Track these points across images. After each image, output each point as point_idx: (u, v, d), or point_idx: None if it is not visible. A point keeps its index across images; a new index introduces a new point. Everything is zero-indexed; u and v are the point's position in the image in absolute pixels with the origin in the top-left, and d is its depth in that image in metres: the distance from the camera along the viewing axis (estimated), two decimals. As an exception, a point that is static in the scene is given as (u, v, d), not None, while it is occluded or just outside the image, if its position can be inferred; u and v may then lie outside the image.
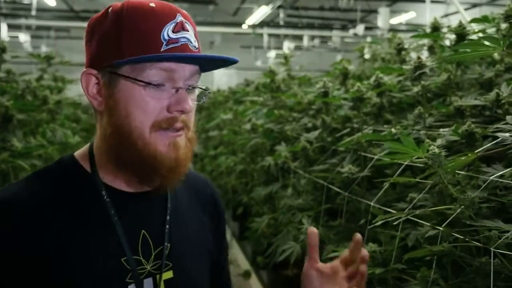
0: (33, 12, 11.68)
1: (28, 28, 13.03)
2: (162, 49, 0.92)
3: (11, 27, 11.99)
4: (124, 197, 1.00)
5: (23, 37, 12.56)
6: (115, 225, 0.96)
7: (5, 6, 12.57)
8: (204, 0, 13.16)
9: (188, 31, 0.96)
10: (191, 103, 0.95)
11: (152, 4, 0.95)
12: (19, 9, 12.99)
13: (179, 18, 0.95)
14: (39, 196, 0.95)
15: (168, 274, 1.01)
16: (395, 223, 1.19)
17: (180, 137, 0.96)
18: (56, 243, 0.92)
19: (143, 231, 1.00)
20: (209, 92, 1.04)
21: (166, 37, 0.93)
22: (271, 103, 3.05)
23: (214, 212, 1.17)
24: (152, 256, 0.99)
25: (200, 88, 1.00)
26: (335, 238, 1.86)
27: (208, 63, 0.99)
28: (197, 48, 0.97)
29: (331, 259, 1.76)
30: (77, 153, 1.04)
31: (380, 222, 1.18)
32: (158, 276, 0.99)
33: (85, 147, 1.03)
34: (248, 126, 3.30)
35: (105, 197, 0.97)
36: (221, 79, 14.15)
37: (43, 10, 12.46)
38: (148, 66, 0.92)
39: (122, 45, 0.93)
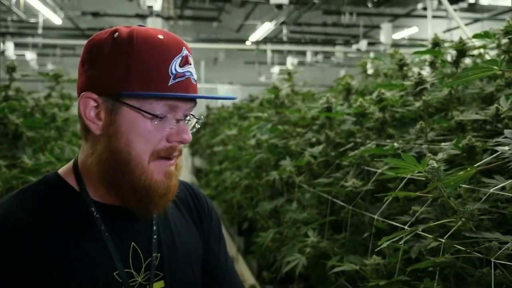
0: (40, 31, 11.83)
1: (34, 46, 13.18)
2: (169, 83, 0.94)
3: (17, 45, 12.16)
4: (112, 212, 1.01)
5: (30, 55, 12.74)
6: (106, 240, 0.98)
7: (12, 25, 12.74)
8: (208, 17, 13.29)
9: (191, 64, 0.98)
10: (190, 134, 0.99)
11: (161, 36, 0.96)
12: (25, 27, 13.16)
13: (185, 52, 0.97)
14: (28, 215, 0.95)
15: (160, 284, 1.03)
16: (397, 238, 1.21)
17: (174, 166, 1.00)
18: (47, 261, 0.93)
19: (132, 243, 1.01)
20: (203, 121, 1.07)
21: (174, 71, 0.95)
22: (276, 118, 3.09)
23: (199, 213, 1.18)
24: (143, 268, 1.01)
25: (196, 118, 1.04)
26: (339, 251, 1.88)
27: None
28: (196, 81, 1.00)
29: (336, 272, 1.79)
30: (61, 171, 1.04)
31: (386, 243, 1.20)
32: (148, 287, 1.01)
33: (68, 165, 1.04)
34: (252, 142, 3.33)
35: (94, 213, 0.99)
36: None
37: (49, 29, 12.62)
38: (155, 99, 0.94)
39: (130, 75, 0.93)
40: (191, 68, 0.98)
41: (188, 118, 1.00)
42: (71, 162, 1.04)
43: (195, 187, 1.25)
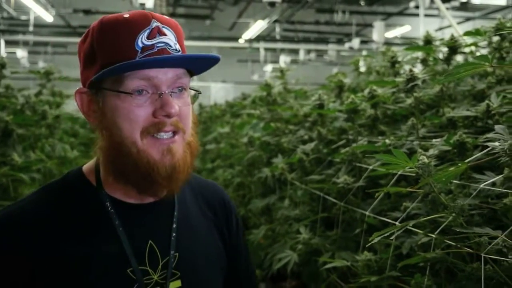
0: (31, 28, 11.77)
1: (25, 44, 13.09)
2: (137, 57, 0.92)
3: (8, 43, 12.08)
4: (130, 209, 1.00)
5: (21, 53, 12.64)
6: (120, 236, 0.97)
7: (3, 22, 12.65)
8: (201, 15, 13.27)
9: (166, 35, 0.95)
10: (177, 106, 0.94)
11: (126, 15, 0.95)
12: (16, 25, 13.08)
13: (154, 24, 0.94)
14: (43, 211, 0.96)
15: (176, 284, 1.01)
16: (388, 233, 1.21)
17: (175, 143, 0.95)
18: (60, 256, 0.93)
19: (150, 241, 1.00)
20: (200, 93, 1.03)
21: (141, 45, 0.92)
22: (268, 116, 3.09)
23: (226, 218, 1.17)
24: (160, 266, 1.00)
25: (192, 90, 1.00)
26: (331, 247, 1.88)
27: (195, 64, 0.99)
28: (179, 51, 0.96)
29: (328, 269, 1.79)
30: (85, 167, 1.05)
31: (377, 239, 1.20)
32: (165, 286, 0.99)
33: (93, 161, 1.04)
34: (245, 139, 3.33)
35: (109, 208, 0.98)
36: (218, 93, 14.23)
37: (40, 26, 12.54)
38: (126, 76, 0.92)
39: (98, 59, 0.94)
40: (165, 39, 0.95)
41: (175, 90, 0.96)
42: (95, 158, 1.04)
43: (223, 190, 1.23)
